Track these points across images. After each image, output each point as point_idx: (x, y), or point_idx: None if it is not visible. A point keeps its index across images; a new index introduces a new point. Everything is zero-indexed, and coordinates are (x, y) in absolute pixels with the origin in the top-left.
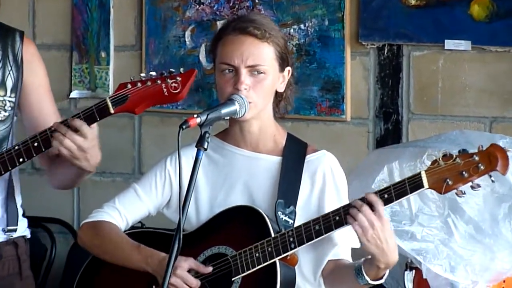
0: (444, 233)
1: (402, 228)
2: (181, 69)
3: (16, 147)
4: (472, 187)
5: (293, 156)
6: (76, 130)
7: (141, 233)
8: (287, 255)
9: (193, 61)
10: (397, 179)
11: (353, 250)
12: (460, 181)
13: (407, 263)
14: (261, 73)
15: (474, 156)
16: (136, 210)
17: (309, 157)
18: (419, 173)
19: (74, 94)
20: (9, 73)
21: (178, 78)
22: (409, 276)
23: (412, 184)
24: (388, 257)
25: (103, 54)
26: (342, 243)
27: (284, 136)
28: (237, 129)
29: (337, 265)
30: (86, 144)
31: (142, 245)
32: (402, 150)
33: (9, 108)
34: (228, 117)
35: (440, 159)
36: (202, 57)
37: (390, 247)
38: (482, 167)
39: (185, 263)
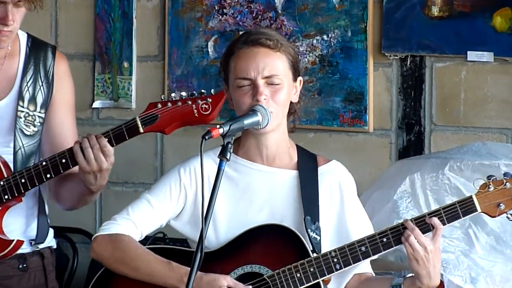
0: (465, 244)
1: None
2: (212, 91)
3: (44, 163)
4: None
5: (308, 169)
6: (101, 148)
7: (159, 249)
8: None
9: (215, 71)
10: (419, 190)
11: (372, 261)
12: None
13: None
14: (277, 83)
15: None
16: (150, 222)
17: (321, 169)
18: (471, 197)
19: (96, 104)
20: (40, 88)
21: (208, 99)
22: None
23: (464, 208)
24: (431, 280)
25: (125, 64)
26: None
27: (295, 149)
28: (253, 143)
29: (364, 279)
30: (105, 165)
31: (173, 262)
32: (424, 161)
33: (38, 124)
34: (242, 132)
35: (491, 183)
36: None
37: (436, 271)
38: None
39: (224, 281)
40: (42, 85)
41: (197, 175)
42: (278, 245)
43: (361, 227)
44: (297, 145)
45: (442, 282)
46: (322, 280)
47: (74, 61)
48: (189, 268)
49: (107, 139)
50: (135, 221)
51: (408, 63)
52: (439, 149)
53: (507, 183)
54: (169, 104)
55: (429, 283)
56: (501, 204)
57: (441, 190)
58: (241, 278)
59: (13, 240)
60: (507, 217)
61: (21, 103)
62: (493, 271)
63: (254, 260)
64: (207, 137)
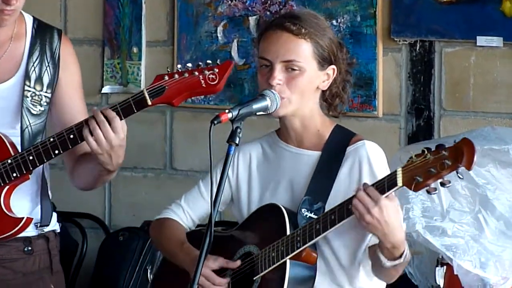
0: (474, 229)
1: (433, 224)
2: (218, 61)
3: (52, 139)
4: (442, 184)
5: (334, 150)
6: (108, 122)
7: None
8: (302, 253)
9: (224, 56)
10: None
11: None
12: (429, 178)
13: (438, 259)
14: (295, 69)
15: (444, 151)
16: (200, 208)
17: (349, 148)
18: (395, 171)
19: (105, 89)
20: (46, 69)
21: (215, 69)
22: (440, 272)
23: (389, 181)
24: (389, 237)
25: (135, 50)
26: None
27: (329, 131)
28: (283, 125)
29: (375, 250)
30: (116, 140)
31: (186, 242)
32: (433, 146)
33: (45, 103)
34: (261, 113)
35: (414, 155)
36: (234, 52)
37: (390, 228)
38: (448, 163)
39: (213, 263)
40: (49, 65)
41: (239, 160)
42: (269, 225)
43: None
44: (337, 126)
45: (451, 267)
46: (297, 259)
47: (83, 46)
48: (192, 248)
49: (115, 112)
50: (185, 207)
51: (418, 48)
52: (449, 134)
53: (428, 155)
54: (176, 75)
55: (390, 240)
56: (417, 177)
57: (450, 174)
58: (241, 258)
59: (22, 218)
60: (427, 191)
61: (27, 83)
62: (502, 256)
63: (252, 240)
64: (215, 122)
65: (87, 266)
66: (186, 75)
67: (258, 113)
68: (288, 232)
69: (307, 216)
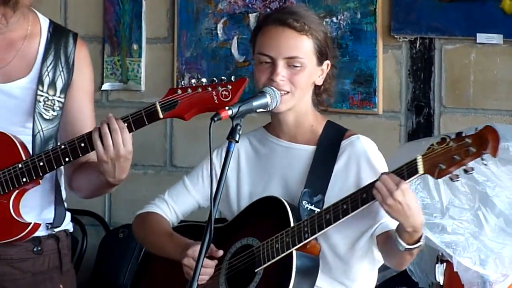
0: (474, 226)
1: (433, 221)
2: (232, 77)
3: (63, 147)
4: (465, 171)
5: (328, 144)
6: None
7: (193, 226)
8: (307, 245)
9: (225, 53)
10: None
11: None
12: (452, 165)
13: (438, 256)
14: (297, 66)
15: (467, 139)
16: (184, 203)
17: (344, 143)
18: (415, 159)
19: (106, 86)
20: (60, 74)
21: (229, 86)
22: (440, 269)
23: (408, 170)
24: (410, 220)
25: (135, 47)
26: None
27: (322, 125)
28: (276, 120)
29: (387, 237)
30: (123, 151)
31: (174, 233)
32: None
33: (58, 108)
34: (261, 110)
35: (435, 143)
36: (234, 49)
37: (412, 211)
38: (473, 150)
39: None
40: (63, 70)
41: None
42: (269, 217)
43: None
44: (329, 121)
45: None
46: (301, 250)
47: None
48: (183, 238)
49: (126, 124)
50: (169, 202)
51: (418, 45)
52: (449, 131)
53: (451, 142)
54: (189, 90)
55: (412, 223)
56: (440, 164)
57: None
58: (239, 251)
59: (30, 223)
60: (450, 178)
61: (40, 87)
62: (502, 253)
63: (250, 233)
64: (215, 119)
65: (87, 263)
66: (200, 90)
67: (258, 110)
68: (292, 224)
69: (308, 209)
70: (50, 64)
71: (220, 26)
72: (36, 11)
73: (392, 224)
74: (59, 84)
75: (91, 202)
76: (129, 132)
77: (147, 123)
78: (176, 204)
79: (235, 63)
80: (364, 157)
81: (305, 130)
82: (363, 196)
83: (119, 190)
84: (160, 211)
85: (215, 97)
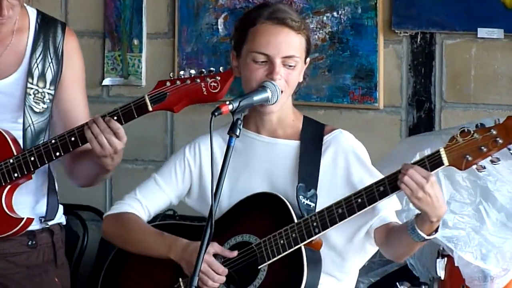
0: (475, 220)
1: None
2: (221, 68)
3: (53, 141)
4: (492, 161)
5: (311, 139)
6: (113, 131)
7: (168, 225)
8: (312, 240)
9: (225, 48)
10: None
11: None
12: (479, 156)
13: (439, 251)
14: (292, 65)
15: (492, 130)
16: (157, 200)
17: (326, 137)
18: (438, 151)
19: (106, 81)
20: (49, 65)
21: (217, 77)
22: (441, 263)
23: (432, 162)
24: (438, 210)
25: (135, 42)
26: (386, 208)
27: (301, 120)
28: (258, 116)
29: (389, 229)
30: (120, 145)
31: (165, 233)
32: (434, 138)
33: (48, 101)
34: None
35: (458, 135)
36: None
37: (440, 201)
38: (500, 141)
39: (211, 248)
40: (52, 61)
41: (201, 151)
42: (267, 213)
43: None
44: (305, 117)
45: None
46: (306, 245)
47: (84, 39)
48: (178, 237)
49: (116, 117)
50: (142, 200)
51: (418, 40)
52: (449, 126)
53: (475, 134)
54: (178, 82)
55: (438, 213)
56: (467, 156)
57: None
58: (233, 248)
59: (22, 218)
60: (476, 168)
61: (30, 80)
62: (503, 247)
63: (245, 229)
64: (216, 114)
65: (88, 258)
66: (188, 82)
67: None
68: (295, 220)
69: (305, 203)
70: (39, 56)
71: (220, 21)
72: (24, 4)
73: (391, 217)
74: (49, 76)
75: (91, 197)
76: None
77: (136, 116)
78: (149, 202)
79: None
80: (351, 152)
81: (286, 125)
82: (381, 190)
83: (120, 185)
84: (134, 210)
85: (204, 89)
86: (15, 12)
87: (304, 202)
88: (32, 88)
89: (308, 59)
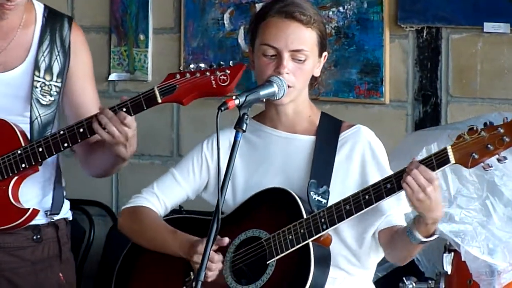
0: (482, 215)
1: None
2: (231, 62)
3: (62, 132)
4: (498, 160)
5: (327, 135)
6: (120, 120)
7: (181, 219)
8: (321, 236)
9: (231, 43)
10: None
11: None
12: (486, 155)
13: (446, 245)
14: (302, 59)
15: (499, 128)
16: (174, 195)
17: (343, 134)
18: (445, 149)
19: (112, 76)
20: (56, 58)
21: (227, 71)
22: (447, 258)
23: (438, 159)
24: (434, 213)
25: (141, 37)
26: (393, 210)
27: (318, 116)
28: (273, 111)
29: (393, 232)
30: (130, 132)
31: (178, 230)
32: (440, 132)
33: (55, 93)
34: (266, 99)
35: (466, 133)
36: (241, 39)
37: (438, 205)
38: (507, 139)
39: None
40: (59, 54)
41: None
42: (277, 208)
43: None
44: (323, 112)
45: (459, 254)
46: (315, 241)
47: (90, 34)
48: (188, 235)
49: (125, 109)
50: (159, 194)
51: (424, 34)
52: (456, 120)
53: (482, 132)
54: (188, 75)
55: (434, 216)
56: (474, 154)
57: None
58: (244, 243)
59: (28, 209)
60: (482, 167)
61: (37, 73)
62: (510, 242)
63: (255, 224)
64: (223, 108)
65: (94, 253)
66: (198, 75)
67: (264, 100)
68: (304, 216)
69: (316, 200)
70: (46, 49)
71: (226, 16)
72: None
73: (396, 220)
74: (56, 68)
75: (98, 192)
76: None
77: (145, 108)
78: (167, 197)
79: (242, 53)
80: (368, 149)
81: (303, 121)
82: (388, 187)
83: (126, 180)
84: (150, 204)
85: (213, 82)
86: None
87: (315, 198)
88: (39, 81)
89: (324, 54)
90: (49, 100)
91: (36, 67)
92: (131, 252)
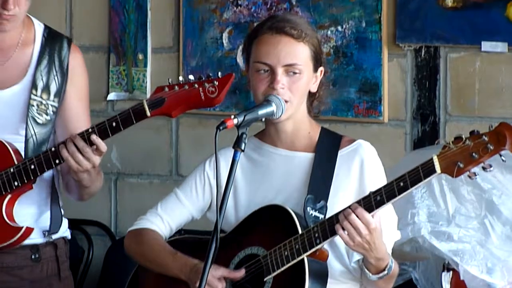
0: (481, 234)
1: (439, 229)
2: (219, 73)
3: (53, 149)
4: (484, 168)
5: (326, 151)
6: (92, 145)
7: (183, 240)
8: (316, 251)
9: (230, 63)
10: (434, 179)
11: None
12: (471, 163)
13: (444, 264)
14: (296, 73)
15: (484, 136)
16: (179, 216)
17: (344, 150)
18: (431, 159)
19: (111, 96)
20: (54, 78)
21: (215, 82)
22: (446, 277)
23: (425, 170)
24: (374, 253)
25: (140, 56)
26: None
27: (317, 132)
28: (273, 129)
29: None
30: (98, 160)
31: (178, 252)
32: (439, 151)
33: (51, 113)
34: (265, 118)
35: (451, 142)
36: (240, 59)
37: (377, 246)
38: (491, 147)
39: (217, 272)
40: (57, 74)
41: (221, 165)
42: (274, 225)
43: None
44: (323, 128)
45: (457, 273)
46: (311, 256)
47: (88, 53)
48: (189, 257)
49: (114, 123)
50: (163, 216)
51: (423, 53)
52: None
53: (467, 140)
54: (176, 87)
55: (375, 256)
56: (459, 163)
57: (456, 179)
58: (243, 261)
59: (22, 227)
60: (468, 176)
61: (34, 92)
62: (509, 261)
63: (254, 242)
64: (221, 128)
65: (93, 273)
66: (186, 87)
67: (262, 119)
68: (300, 231)
69: (313, 215)
70: (44, 68)
71: (225, 35)
72: (31, 17)
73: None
74: (53, 88)
75: (96, 212)
76: (118, 132)
77: (135, 122)
78: (171, 217)
79: (241, 72)
80: (366, 165)
81: (302, 138)
82: (377, 199)
83: (125, 199)
84: (155, 226)
85: (202, 94)
86: (21, 10)
87: (312, 213)
88: (35, 100)
89: (321, 69)
90: (45, 119)
91: (34, 85)
92: (138, 273)
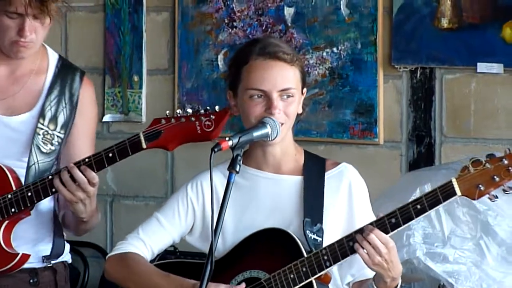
0: (476, 255)
1: (434, 250)
2: (216, 107)
3: (50, 177)
4: (504, 191)
5: (314, 174)
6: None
7: (171, 263)
8: (321, 274)
9: (225, 85)
10: None
11: None
12: (492, 186)
13: (440, 286)
14: (290, 96)
15: (504, 160)
16: (160, 239)
17: (330, 172)
18: (450, 181)
19: (107, 118)
20: (63, 109)
21: (212, 116)
22: None
23: (444, 192)
24: (392, 273)
25: (135, 78)
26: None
27: (302, 155)
28: (259, 152)
29: (362, 284)
30: (92, 191)
31: (171, 274)
32: (434, 173)
33: (56, 143)
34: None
35: (470, 165)
36: None
37: (395, 265)
38: None
39: None
40: (66, 106)
41: (204, 189)
42: (275, 248)
43: None
44: (305, 151)
45: None
46: (316, 279)
47: None
48: (184, 278)
49: (111, 154)
50: (145, 240)
51: (418, 75)
52: (450, 161)
53: (487, 164)
54: (173, 120)
55: (392, 275)
56: (480, 186)
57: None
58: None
59: (18, 254)
60: (488, 198)
61: (41, 121)
62: (504, 282)
63: (253, 265)
64: (216, 150)
65: None
66: (183, 120)
67: (257, 141)
68: (305, 254)
69: (312, 238)
70: (54, 99)
71: (220, 57)
72: (46, 46)
73: (370, 273)
74: (61, 119)
75: (92, 234)
76: (114, 163)
77: (130, 154)
78: (153, 241)
79: None
80: (353, 187)
81: (289, 161)
82: (392, 222)
83: (120, 221)
84: (137, 250)
85: (198, 127)
86: (38, 38)
87: (311, 236)
88: (42, 129)
89: (305, 89)
90: (50, 149)
91: (42, 114)
92: None
